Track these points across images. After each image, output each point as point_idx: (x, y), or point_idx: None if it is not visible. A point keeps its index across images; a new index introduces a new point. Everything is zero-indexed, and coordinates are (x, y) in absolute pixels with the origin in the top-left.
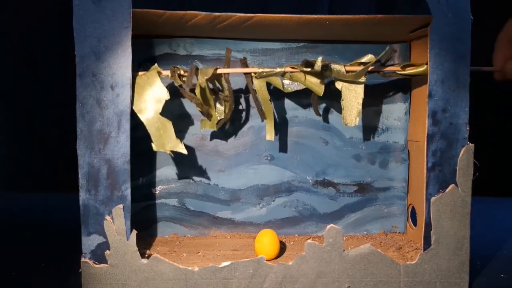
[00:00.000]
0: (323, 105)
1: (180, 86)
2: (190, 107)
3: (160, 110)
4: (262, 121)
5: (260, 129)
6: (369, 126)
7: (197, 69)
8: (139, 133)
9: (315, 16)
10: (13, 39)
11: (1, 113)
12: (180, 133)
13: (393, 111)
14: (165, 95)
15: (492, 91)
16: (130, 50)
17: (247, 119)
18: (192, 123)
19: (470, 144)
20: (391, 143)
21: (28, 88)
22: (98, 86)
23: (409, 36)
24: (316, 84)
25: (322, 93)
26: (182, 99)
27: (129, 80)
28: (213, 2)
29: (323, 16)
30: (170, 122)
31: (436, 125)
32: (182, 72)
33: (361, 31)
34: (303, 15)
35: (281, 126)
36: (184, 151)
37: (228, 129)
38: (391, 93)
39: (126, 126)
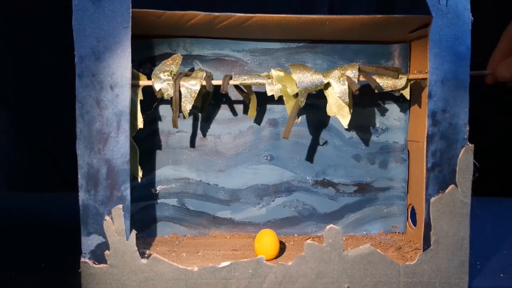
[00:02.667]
0: (324, 104)
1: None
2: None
3: (133, 134)
4: (248, 103)
5: (260, 129)
6: (369, 126)
7: (180, 96)
8: (139, 133)
9: (314, 16)
10: (13, 39)
11: (1, 113)
12: (180, 133)
13: (393, 111)
14: (139, 124)
15: (492, 90)
16: (129, 50)
17: (246, 119)
18: (192, 122)
19: (470, 144)
20: (391, 143)
21: (28, 88)
22: (97, 86)
23: (409, 36)
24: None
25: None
26: None
27: (129, 80)
28: (212, 2)
29: (322, 16)
30: (137, 150)
31: (435, 125)
32: (165, 94)
33: (361, 31)
34: (303, 15)
35: (281, 126)
36: (139, 180)
37: (228, 129)
38: (391, 93)
39: (126, 126)
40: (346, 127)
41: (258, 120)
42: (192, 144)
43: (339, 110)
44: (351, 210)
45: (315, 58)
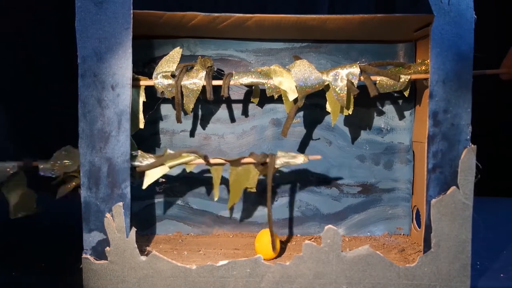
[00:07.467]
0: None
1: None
2: (194, 107)
3: (132, 133)
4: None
5: (263, 128)
6: (374, 127)
7: (182, 96)
8: (143, 132)
9: (314, 16)
10: (13, 39)
11: (1, 113)
12: (184, 132)
13: (398, 111)
14: (140, 124)
15: (493, 90)
16: (130, 51)
17: (250, 119)
18: (195, 122)
19: (472, 145)
20: (396, 144)
21: (28, 88)
22: (99, 86)
23: (414, 35)
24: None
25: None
26: None
27: (129, 80)
28: (212, 2)
29: (322, 16)
30: (136, 148)
31: (437, 126)
32: (167, 94)
33: (363, 31)
34: (302, 15)
35: None
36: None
37: (231, 128)
38: (396, 93)
39: (126, 125)
40: (332, 125)
41: (261, 120)
42: (196, 143)
43: (333, 109)
44: (355, 211)
45: (319, 58)
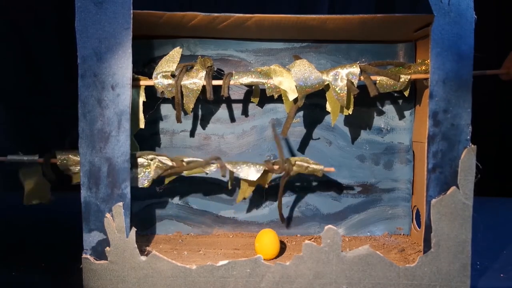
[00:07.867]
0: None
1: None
2: (194, 107)
3: (134, 133)
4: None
5: (263, 128)
6: (374, 127)
7: (182, 96)
8: (143, 132)
9: (314, 16)
10: (13, 39)
11: (0, 113)
12: (184, 132)
13: (398, 111)
14: (141, 124)
15: (493, 90)
16: (130, 51)
17: (250, 119)
18: (195, 122)
19: (472, 145)
20: (396, 144)
21: (28, 88)
22: (99, 86)
23: (414, 35)
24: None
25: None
26: None
27: (129, 80)
28: (212, 2)
29: (322, 16)
30: (138, 148)
31: (437, 126)
32: (167, 94)
33: (363, 31)
34: (302, 15)
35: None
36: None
37: (231, 128)
38: (396, 93)
39: (126, 125)
40: (332, 125)
41: (262, 120)
42: (196, 143)
43: (333, 108)
44: (355, 211)
45: (319, 58)
